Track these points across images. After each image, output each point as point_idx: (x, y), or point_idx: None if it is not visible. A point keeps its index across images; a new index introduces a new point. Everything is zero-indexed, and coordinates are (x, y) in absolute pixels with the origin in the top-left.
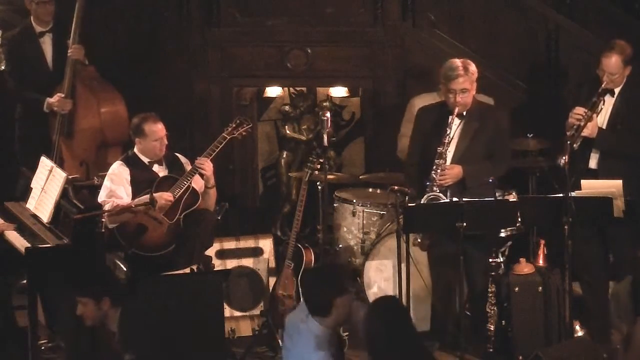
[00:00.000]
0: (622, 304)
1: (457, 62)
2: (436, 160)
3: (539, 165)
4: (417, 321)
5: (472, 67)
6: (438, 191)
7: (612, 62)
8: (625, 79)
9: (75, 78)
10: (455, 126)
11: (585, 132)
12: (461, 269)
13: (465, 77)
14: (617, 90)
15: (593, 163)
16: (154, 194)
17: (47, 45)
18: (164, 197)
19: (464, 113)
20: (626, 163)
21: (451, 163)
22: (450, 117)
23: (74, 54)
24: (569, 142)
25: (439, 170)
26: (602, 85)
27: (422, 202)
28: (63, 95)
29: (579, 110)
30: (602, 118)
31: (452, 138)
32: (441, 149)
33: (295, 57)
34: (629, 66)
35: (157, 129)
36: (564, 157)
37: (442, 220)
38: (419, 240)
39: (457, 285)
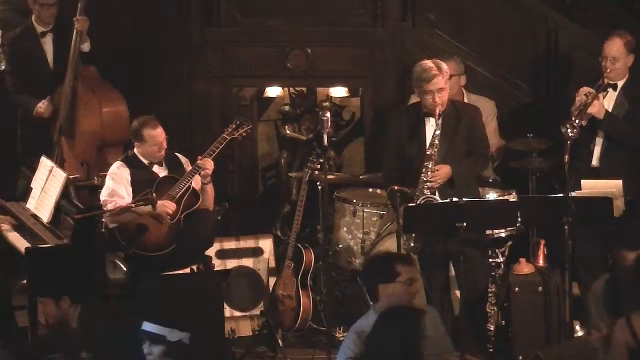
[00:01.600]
0: (601, 303)
1: (429, 62)
2: (425, 163)
3: (539, 165)
4: None
5: (445, 66)
6: (429, 193)
7: (615, 45)
8: (628, 73)
9: (76, 79)
10: (432, 127)
11: (592, 110)
12: (461, 269)
13: (440, 77)
14: (619, 85)
15: (594, 161)
16: (158, 202)
17: (48, 45)
18: (166, 207)
19: (439, 113)
20: (627, 162)
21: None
22: (433, 120)
23: (79, 24)
24: (576, 120)
25: (429, 173)
26: (604, 74)
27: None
28: (47, 103)
29: (585, 89)
30: (596, 87)
31: (436, 139)
32: (431, 151)
33: (295, 57)
34: (631, 55)
35: (156, 134)
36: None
37: (442, 220)
38: (412, 244)
39: (455, 286)
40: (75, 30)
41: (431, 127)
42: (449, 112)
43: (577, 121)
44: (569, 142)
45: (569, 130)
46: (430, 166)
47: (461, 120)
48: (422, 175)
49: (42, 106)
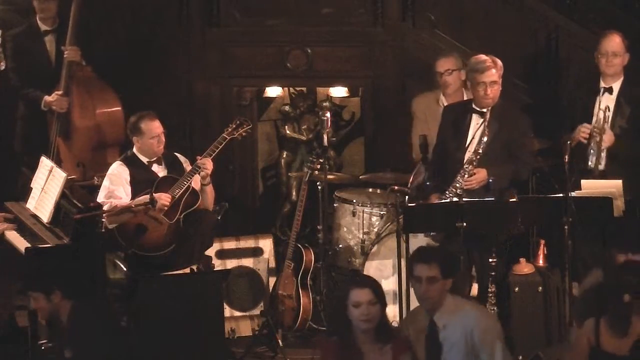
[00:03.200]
0: (586, 303)
1: (484, 56)
2: (465, 166)
3: (539, 165)
4: None
5: (500, 62)
6: (460, 192)
7: (614, 41)
8: (623, 74)
9: (71, 79)
10: (476, 125)
11: (605, 145)
12: (461, 268)
13: (494, 70)
14: (615, 88)
15: (601, 164)
16: (154, 194)
17: (50, 44)
18: (163, 199)
19: (486, 111)
20: (627, 162)
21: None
22: (479, 117)
23: (69, 55)
24: (592, 165)
25: (465, 175)
26: (601, 71)
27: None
28: (60, 93)
29: (586, 128)
30: (602, 117)
31: (473, 138)
32: (474, 156)
33: (295, 57)
34: (627, 54)
35: (154, 127)
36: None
37: (442, 220)
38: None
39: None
40: (66, 60)
41: (476, 125)
42: (496, 112)
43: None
44: (568, 142)
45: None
46: (468, 169)
47: (507, 123)
48: (458, 176)
49: (49, 98)
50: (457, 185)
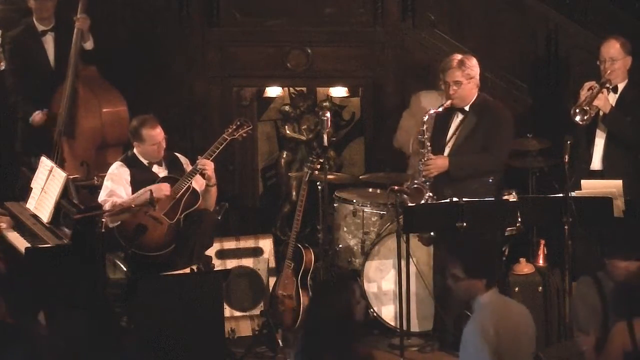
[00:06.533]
0: (589, 306)
1: (456, 55)
2: (420, 150)
3: (539, 165)
4: (419, 321)
5: (470, 62)
6: (424, 181)
7: (612, 47)
8: (628, 77)
9: (76, 78)
10: (458, 121)
11: (598, 103)
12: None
13: (458, 71)
14: (620, 87)
15: (597, 164)
16: (152, 187)
17: (49, 44)
18: (162, 188)
19: (466, 108)
20: (627, 162)
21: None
22: (433, 110)
23: (79, 23)
24: (584, 107)
25: (423, 160)
26: (605, 75)
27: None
28: (46, 112)
29: (590, 84)
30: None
31: (451, 133)
32: (421, 137)
33: (295, 57)
34: (629, 57)
35: (155, 134)
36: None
37: (442, 220)
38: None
39: None
40: (75, 28)
41: (459, 121)
42: (475, 109)
43: (586, 107)
44: (568, 142)
45: (579, 117)
46: (424, 154)
47: (484, 118)
48: (419, 163)
49: (37, 117)
50: (420, 173)
